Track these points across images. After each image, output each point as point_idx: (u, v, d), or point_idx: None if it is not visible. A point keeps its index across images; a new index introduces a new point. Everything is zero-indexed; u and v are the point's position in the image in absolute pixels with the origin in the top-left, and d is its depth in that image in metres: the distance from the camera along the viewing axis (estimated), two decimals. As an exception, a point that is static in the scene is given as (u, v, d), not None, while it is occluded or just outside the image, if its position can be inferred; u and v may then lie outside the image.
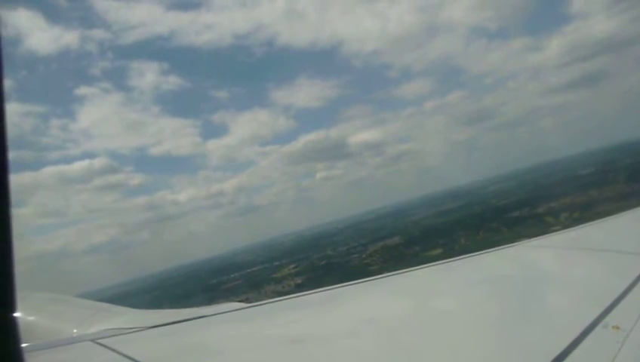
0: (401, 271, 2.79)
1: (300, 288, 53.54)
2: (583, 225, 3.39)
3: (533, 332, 1.68)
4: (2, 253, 0.68)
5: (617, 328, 1.60)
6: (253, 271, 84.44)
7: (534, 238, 3.11)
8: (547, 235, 3.19)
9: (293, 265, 74.32)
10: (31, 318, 2.59)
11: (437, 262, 2.86)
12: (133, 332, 2.23)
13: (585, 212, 45.37)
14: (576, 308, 1.93)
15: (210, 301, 60.00)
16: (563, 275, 2.49)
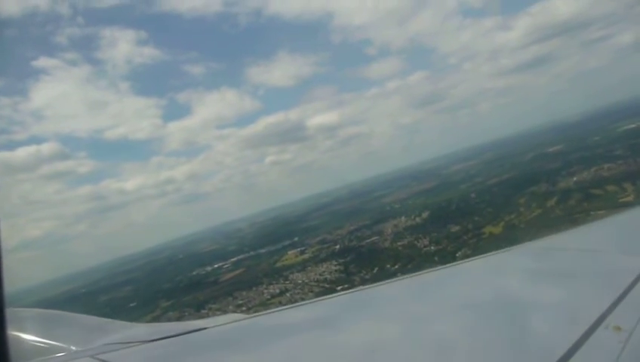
0: (400, 277, 2.85)
1: (347, 274, 50.02)
2: (582, 226, 3.34)
3: (536, 334, 1.76)
4: None
5: (619, 329, 1.66)
6: (239, 259, 78.57)
7: (534, 241, 3.12)
8: (547, 237, 3.21)
9: (294, 251, 69.99)
10: (24, 336, 2.42)
11: (435, 268, 2.90)
12: (133, 346, 2.19)
13: (637, 183, 46.94)
14: (578, 309, 1.95)
15: (230, 298, 54.52)
16: (564, 277, 2.45)
